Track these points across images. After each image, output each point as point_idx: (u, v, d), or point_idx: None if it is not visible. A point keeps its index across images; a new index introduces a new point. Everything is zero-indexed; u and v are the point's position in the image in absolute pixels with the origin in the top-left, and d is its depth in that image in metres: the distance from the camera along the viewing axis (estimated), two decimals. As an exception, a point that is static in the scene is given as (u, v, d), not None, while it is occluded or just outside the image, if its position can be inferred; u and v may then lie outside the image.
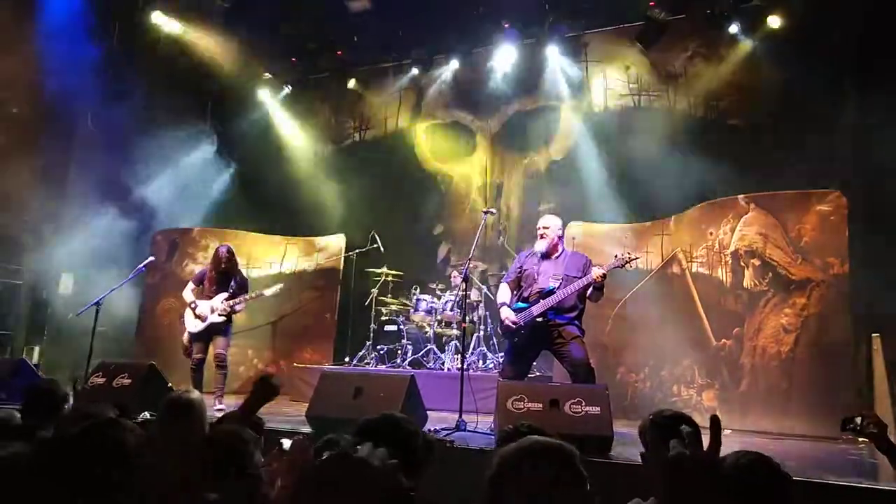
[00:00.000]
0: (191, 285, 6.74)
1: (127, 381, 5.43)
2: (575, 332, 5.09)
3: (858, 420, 2.65)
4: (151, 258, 7.37)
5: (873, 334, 6.30)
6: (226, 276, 6.61)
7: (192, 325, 6.54)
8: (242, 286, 6.70)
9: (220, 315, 6.47)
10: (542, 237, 5.38)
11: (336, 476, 1.18)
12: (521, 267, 5.45)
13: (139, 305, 9.10)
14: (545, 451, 1.51)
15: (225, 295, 6.53)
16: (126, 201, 9.59)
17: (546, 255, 5.36)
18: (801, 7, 7.44)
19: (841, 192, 6.21)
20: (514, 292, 5.41)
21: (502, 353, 7.27)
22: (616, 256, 5.15)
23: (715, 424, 1.61)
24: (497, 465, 1.49)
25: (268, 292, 6.79)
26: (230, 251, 6.70)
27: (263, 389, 2.38)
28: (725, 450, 1.95)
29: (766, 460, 1.75)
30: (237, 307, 6.57)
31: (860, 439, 2.79)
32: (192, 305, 6.55)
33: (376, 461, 1.20)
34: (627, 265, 5.15)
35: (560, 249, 5.41)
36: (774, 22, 7.72)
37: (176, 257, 9.25)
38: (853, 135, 6.99)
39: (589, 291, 5.11)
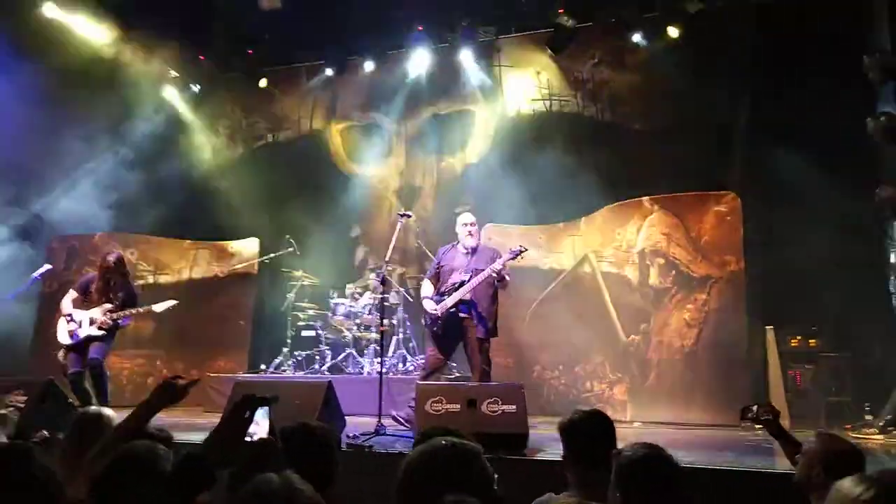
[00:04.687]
0: (72, 293, 6.17)
1: (21, 399, 5.08)
2: (482, 335, 5.33)
3: (755, 409, 2.95)
4: (48, 266, 6.90)
5: (766, 326, 6.76)
6: (112, 286, 6.07)
7: (65, 336, 6.01)
8: (130, 299, 6.14)
9: (99, 328, 5.92)
10: (470, 235, 5.61)
11: None
12: (440, 263, 5.68)
13: (35, 317, 8.51)
14: (448, 452, 1.54)
15: (109, 307, 5.99)
16: (19, 205, 8.96)
17: (464, 251, 5.59)
18: (697, 18, 7.85)
19: (736, 194, 6.63)
20: (436, 287, 5.62)
21: (422, 357, 7.30)
22: (510, 250, 5.40)
23: None
24: (402, 472, 1.50)
25: (157, 308, 6.11)
26: (119, 259, 6.19)
27: (161, 394, 2.10)
28: (632, 440, 2.08)
29: (657, 451, 1.92)
30: (121, 322, 6.04)
31: (757, 426, 3.09)
32: (67, 318, 5.99)
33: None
34: (520, 256, 5.40)
35: (476, 245, 5.66)
36: (673, 32, 8.11)
37: (75, 265, 8.73)
38: (747, 138, 7.46)
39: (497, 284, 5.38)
